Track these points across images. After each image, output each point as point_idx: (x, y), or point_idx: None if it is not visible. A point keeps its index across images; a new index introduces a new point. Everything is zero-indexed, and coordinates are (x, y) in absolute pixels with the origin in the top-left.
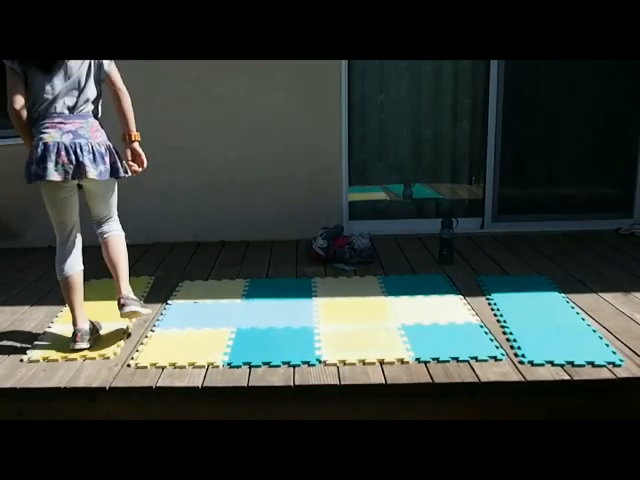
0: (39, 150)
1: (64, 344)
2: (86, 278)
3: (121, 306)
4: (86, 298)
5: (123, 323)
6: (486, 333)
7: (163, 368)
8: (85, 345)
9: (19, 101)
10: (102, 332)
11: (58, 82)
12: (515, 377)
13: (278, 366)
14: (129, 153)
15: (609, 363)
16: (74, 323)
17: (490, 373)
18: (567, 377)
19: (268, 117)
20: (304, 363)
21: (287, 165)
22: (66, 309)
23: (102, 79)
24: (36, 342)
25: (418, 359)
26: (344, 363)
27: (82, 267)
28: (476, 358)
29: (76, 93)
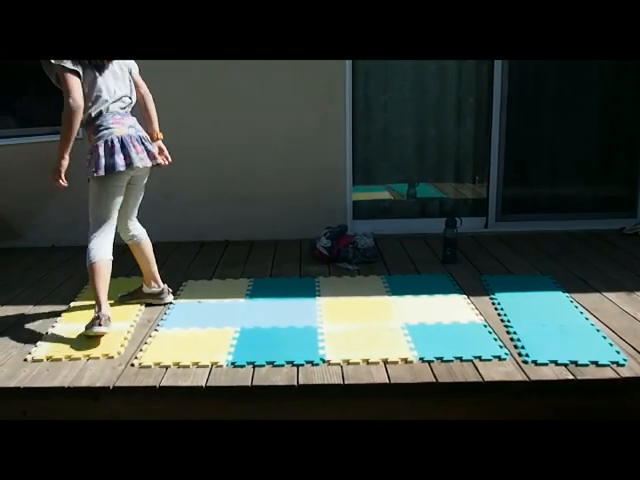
0: (116, 143)
1: (68, 343)
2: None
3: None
4: (90, 298)
5: (127, 322)
6: (490, 333)
7: (167, 368)
8: (106, 330)
9: (81, 99)
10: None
11: (111, 83)
12: (519, 377)
13: (282, 366)
14: (156, 149)
15: (613, 363)
16: (98, 308)
17: (494, 373)
18: (571, 377)
19: (272, 116)
20: (308, 363)
21: (291, 164)
22: (69, 308)
23: None
24: (40, 341)
25: (422, 359)
26: (348, 363)
27: (112, 258)
28: (480, 358)
29: (129, 95)
